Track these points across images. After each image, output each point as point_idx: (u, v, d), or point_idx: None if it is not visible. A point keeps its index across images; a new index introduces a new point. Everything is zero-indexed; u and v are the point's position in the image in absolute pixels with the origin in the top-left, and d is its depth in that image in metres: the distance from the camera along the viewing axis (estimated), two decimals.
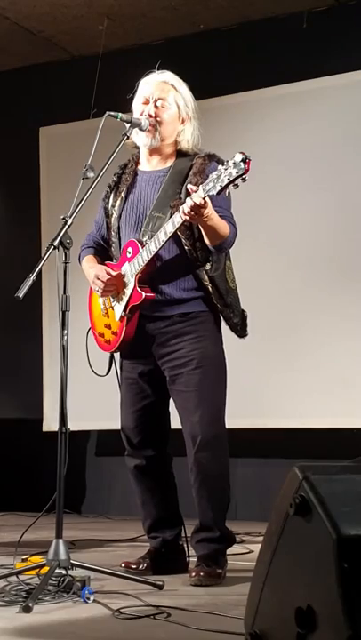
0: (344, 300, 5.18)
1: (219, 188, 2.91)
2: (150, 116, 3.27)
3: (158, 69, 3.37)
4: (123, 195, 3.37)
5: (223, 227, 3.14)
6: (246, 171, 2.85)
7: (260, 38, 5.64)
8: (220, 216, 3.12)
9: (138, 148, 3.41)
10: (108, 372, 3.39)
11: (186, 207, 2.99)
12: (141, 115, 3.30)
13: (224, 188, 2.91)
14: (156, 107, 3.29)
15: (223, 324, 3.34)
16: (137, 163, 3.43)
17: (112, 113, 3.20)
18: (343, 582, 1.61)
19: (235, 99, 5.62)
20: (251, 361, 5.02)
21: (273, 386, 5.26)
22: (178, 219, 3.06)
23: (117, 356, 3.41)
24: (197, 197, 2.96)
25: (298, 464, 1.80)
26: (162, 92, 3.31)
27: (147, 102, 3.31)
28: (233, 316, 3.32)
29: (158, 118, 3.28)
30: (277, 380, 5.25)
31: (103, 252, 3.45)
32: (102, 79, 5.76)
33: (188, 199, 3.00)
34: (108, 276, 3.24)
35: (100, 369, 3.38)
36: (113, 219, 3.38)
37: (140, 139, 3.32)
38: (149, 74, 3.36)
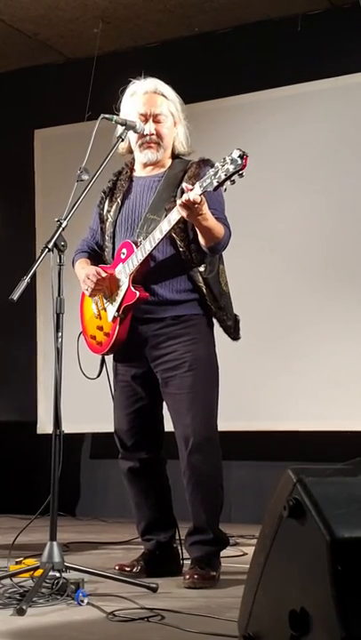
0: (339, 303, 5.19)
1: (216, 183, 2.91)
2: (152, 134, 3.29)
3: (143, 76, 3.36)
4: (119, 200, 3.37)
5: (218, 228, 3.15)
6: (243, 166, 2.86)
7: (255, 41, 5.65)
8: (215, 217, 3.13)
9: (130, 153, 3.42)
10: (98, 375, 3.38)
11: (182, 200, 2.99)
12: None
13: (221, 183, 2.91)
14: (155, 122, 3.30)
15: (217, 326, 3.35)
16: (132, 169, 3.44)
17: (107, 115, 3.21)
18: (337, 584, 1.62)
19: (230, 101, 5.63)
20: (245, 364, 5.02)
21: (268, 388, 5.26)
22: (174, 216, 3.07)
23: (110, 360, 3.41)
24: (194, 193, 2.96)
25: (292, 467, 1.80)
26: (156, 106, 3.31)
27: (144, 120, 3.30)
28: (226, 318, 3.32)
29: (160, 134, 3.30)
30: (272, 383, 5.25)
31: (97, 256, 3.46)
32: (97, 82, 5.77)
33: (184, 194, 3.00)
34: (98, 276, 3.24)
35: (92, 372, 3.38)
36: (108, 224, 3.39)
37: (145, 156, 3.33)
38: (132, 83, 3.36)
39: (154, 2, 5.50)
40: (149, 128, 3.30)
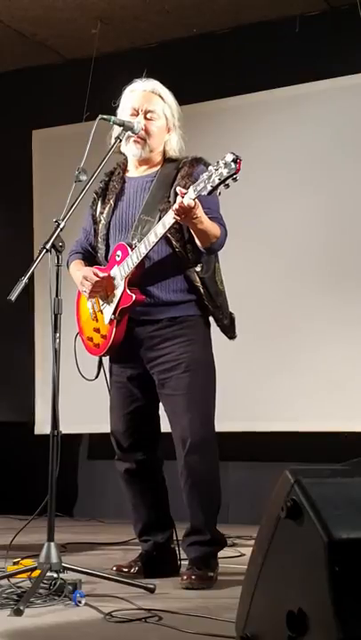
0: (336, 304, 5.19)
1: (210, 188, 2.92)
2: (140, 128, 3.28)
3: (145, 76, 3.37)
4: (112, 201, 3.37)
5: (214, 229, 3.15)
6: (237, 170, 2.86)
7: (253, 42, 5.65)
8: (209, 217, 3.13)
9: (122, 153, 3.42)
10: (96, 376, 3.38)
11: (176, 206, 2.99)
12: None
13: (215, 188, 2.92)
14: (145, 118, 3.30)
15: (213, 326, 3.35)
16: (124, 170, 3.44)
17: (105, 116, 3.21)
18: (334, 585, 1.62)
19: (227, 102, 5.63)
20: (242, 364, 5.02)
21: (264, 389, 5.26)
22: (168, 220, 3.07)
23: (107, 360, 3.41)
24: (188, 198, 2.96)
25: (289, 467, 1.80)
26: (151, 104, 3.31)
27: (135, 113, 3.31)
28: (223, 317, 3.33)
29: (148, 131, 3.29)
30: (269, 384, 5.25)
31: (91, 258, 3.46)
32: (95, 82, 5.76)
33: (178, 198, 3.01)
34: (96, 278, 3.24)
35: (90, 373, 3.38)
36: (101, 225, 3.38)
37: (130, 149, 3.33)
38: (134, 82, 3.37)
39: (152, 3, 5.50)
40: (138, 121, 3.30)
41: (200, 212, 3.03)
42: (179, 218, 3.02)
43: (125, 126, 3.25)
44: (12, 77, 6.45)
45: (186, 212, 2.99)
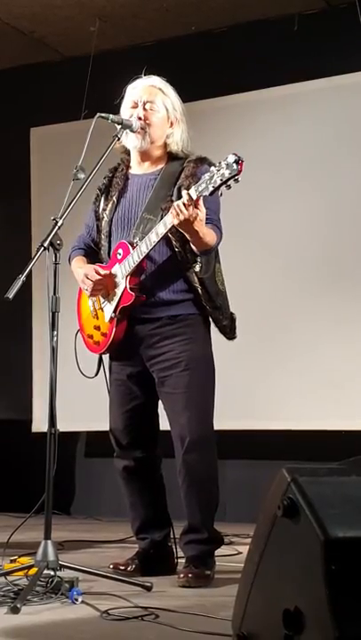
0: (334, 303, 5.20)
1: (211, 188, 2.92)
2: (139, 118, 3.28)
3: (145, 74, 3.39)
4: (114, 198, 3.37)
5: (209, 235, 3.14)
6: (239, 172, 2.86)
7: (252, 41, 5.65)
8: (207, 218, 3.12)
9: (127, 152, 3.42)
10: (96, 374, 3.39)
11: (172, 211, 2.99)
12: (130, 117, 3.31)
13: (217, 188, 2.92)
14: (144, 109, 3.30)
15: (212, 326, 3.35)
16: (127, 166, 3.43)
17: (103, 114, 3.21)
18: (331, 584, 1.62)
19: (226, 101, 5.63)
20: (240, 363, 5.02)
21: (262, 388, 5.26)
22: (169, 220, 3.07)
23: (106, 357, 3.41)
24: (187, 195, 2.97)
25: (286, 466, 1.80)
26: (150, 96, 3.32)
27: (135, 106, 3.32)
28: (222, 318, 3.32)
29: (147, 121, 3.29)
30: (267, 382, 5.26)
31: (93, 254, 3.45)
32: (93, 80, 5.76)
33: (177, 201, 3.00)
34: (98, 276, 3.24)
35: (89, 371, 3.39)
36: (103, 222, 3.38)
37: (130, 141, 3.33)
38: (136, 79, 3.38)
39: (151, 0, 5.50)
40: (137, 112, 3.29)
41: (200, 215, 3.02)
42: (177, 221, 3.02)
43: (124, 124, 3.26)
44: (10, 75, 6.45)
45: (184, 213, 2.98)
